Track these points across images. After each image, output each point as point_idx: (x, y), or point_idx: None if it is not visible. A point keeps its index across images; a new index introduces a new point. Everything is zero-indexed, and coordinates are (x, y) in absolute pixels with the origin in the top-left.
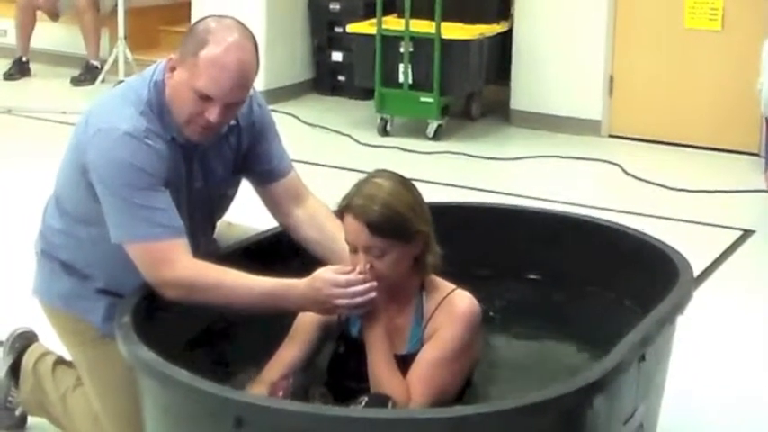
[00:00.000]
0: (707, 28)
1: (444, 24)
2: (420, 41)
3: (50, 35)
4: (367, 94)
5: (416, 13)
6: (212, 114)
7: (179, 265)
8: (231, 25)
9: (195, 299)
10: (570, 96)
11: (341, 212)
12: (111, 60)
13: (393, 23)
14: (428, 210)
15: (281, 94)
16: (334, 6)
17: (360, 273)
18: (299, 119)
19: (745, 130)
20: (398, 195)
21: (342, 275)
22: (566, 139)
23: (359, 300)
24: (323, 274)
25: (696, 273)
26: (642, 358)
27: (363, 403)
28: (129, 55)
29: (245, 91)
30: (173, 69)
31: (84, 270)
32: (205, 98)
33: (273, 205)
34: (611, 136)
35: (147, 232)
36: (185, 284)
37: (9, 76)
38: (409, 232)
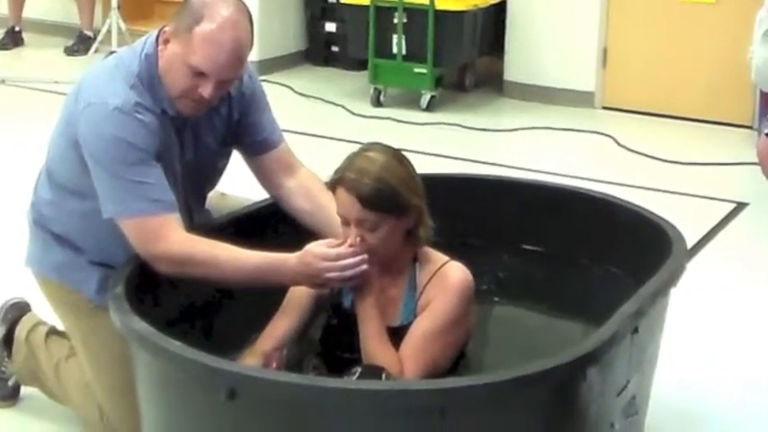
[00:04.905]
0: (701, 0)
1: None
2: (414, 12)
3: (44, 5)
4: (360, 64)
5: None
6: (206, 90)
7: (171, 240)
8: None
9: (187, 273)
10: (564, 68)
11: (333, 185)
12: (104, 30)
13: None
14: (421, 183)
15: (275, 64)
16: None
17: (350, 246)
18: (292, 89)
19: (738, 102)
20: (391, 169)
21: (332, 249)
22: (559, 111)
23: (349, 273)
24: (313, 248)
25: (689, 245)
26: (635, 330)
27: (357, 374)
28: (123, 25)
29: (240, 67)
30: (166, 42)
31: (77, 242)
32: (199, 74)
33: (264, 176)
34: (604, 108)
35: (138, 207)
36: (177, 259)
37: (2, 45)
38: (401, 206)
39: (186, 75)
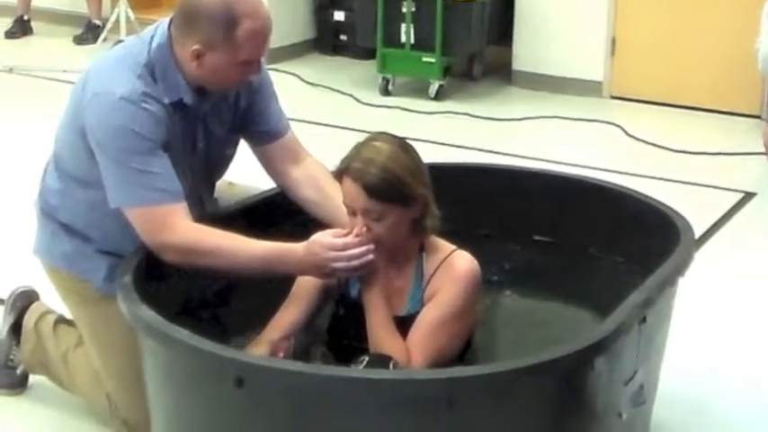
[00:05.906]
0: None
1: None
2: (422, 1)
3: None
4: (369, 53)
5: None
6: (255, 71)
7: (178, 230)
8: None
9: (194, 263)
10: (572, 57)
11: (339, 175)
12: (112, 19)
13: None
14: (427, 173)
15: (283, 53)
16: None
17: (357, 236)
18: (300, 78)
19: (747, 92)
20: (397, 159)
21: (339, 239)
22: (567, 101)
23: (356, 263)
24: (320, 238)
25: (697, 235)
26: (643, 320)
27: (364, 363)
28: (131, 14)
29: None
30: (199, 57)
31: (85, 231)
32: (249, 63)
33: (271, 165)
34: (612, 97)
35: (145, 196)
36: (184, 248)
37: (11, 34)
38: (407, 196)
39: (239, 72)
